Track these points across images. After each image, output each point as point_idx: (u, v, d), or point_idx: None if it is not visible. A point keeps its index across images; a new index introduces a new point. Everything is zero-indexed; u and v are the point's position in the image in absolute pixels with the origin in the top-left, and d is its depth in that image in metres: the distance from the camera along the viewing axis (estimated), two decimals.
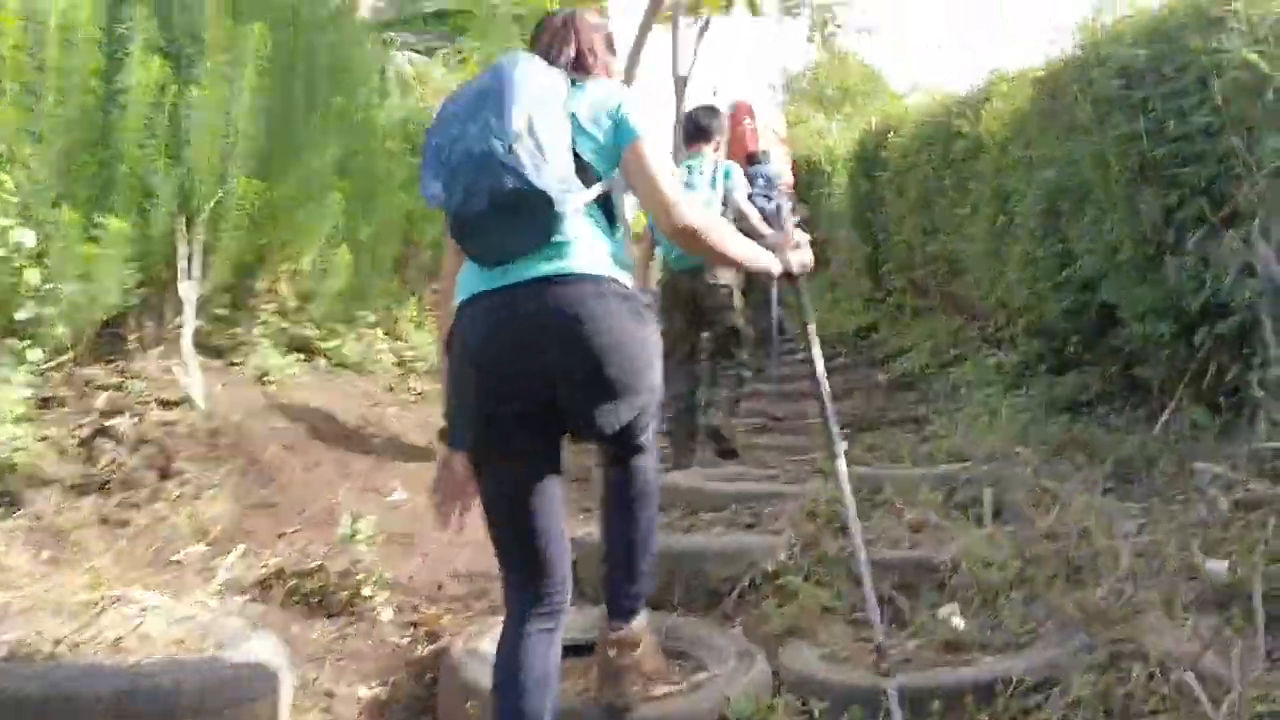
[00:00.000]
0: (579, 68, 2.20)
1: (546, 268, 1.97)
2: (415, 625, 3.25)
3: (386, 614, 3.25)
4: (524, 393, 1.99)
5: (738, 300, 5.03)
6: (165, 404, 4.27)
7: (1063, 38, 4.90)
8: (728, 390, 5.14)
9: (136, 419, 4.12)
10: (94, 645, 2.46)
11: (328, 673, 2.89)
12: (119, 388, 4.33)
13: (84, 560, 3.23)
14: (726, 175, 4.95)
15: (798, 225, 5.25)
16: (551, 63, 2.14)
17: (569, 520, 2.16)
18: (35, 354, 3.87)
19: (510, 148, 1.89)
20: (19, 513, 3.42)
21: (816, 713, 2.39)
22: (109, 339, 4.64)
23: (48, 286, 3.85)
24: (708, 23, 14.68)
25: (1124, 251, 4.03)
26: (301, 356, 5.34)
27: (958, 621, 2.72)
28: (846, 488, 2.39)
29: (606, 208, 2.12)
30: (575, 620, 2.28)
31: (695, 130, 5.04)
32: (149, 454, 3.98)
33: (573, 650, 2.41)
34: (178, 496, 3.76)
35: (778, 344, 7.07)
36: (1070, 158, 4.48)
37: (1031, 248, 5.00)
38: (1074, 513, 3.12)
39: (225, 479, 3.93)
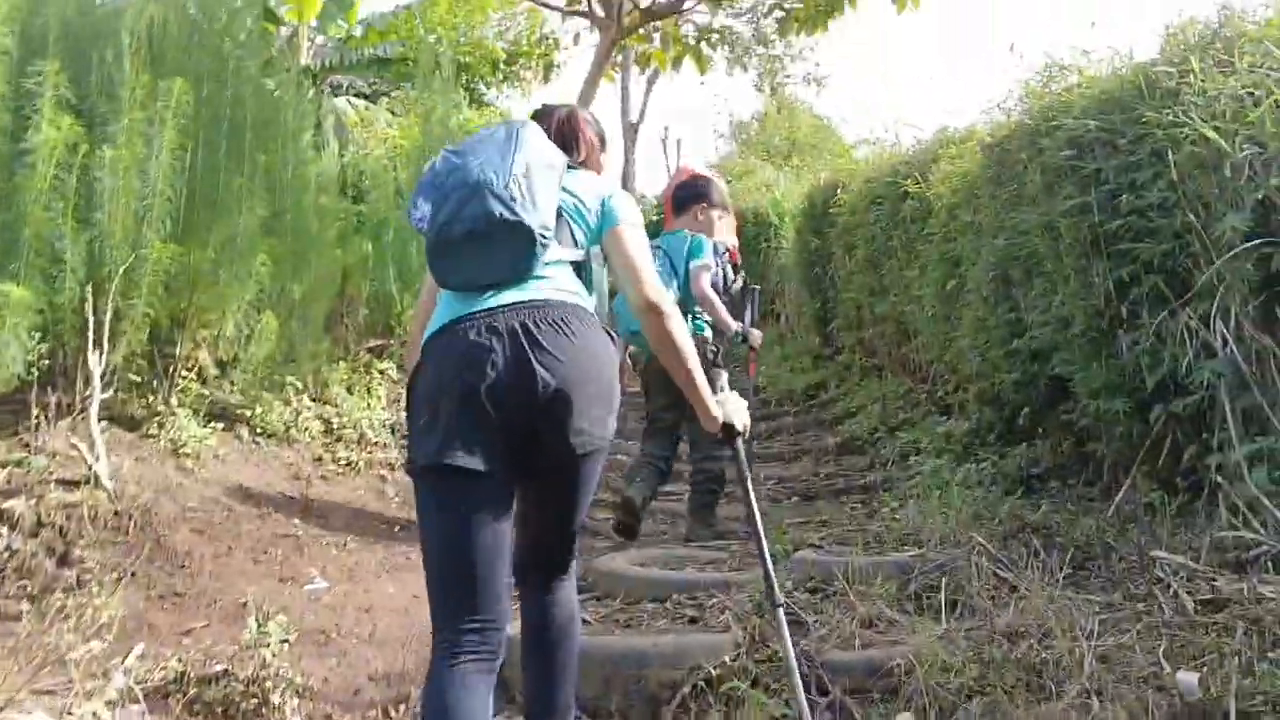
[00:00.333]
0: (577, 158, 2.37)
1: (521, 296, 2.05)
2: None
3: None
4: (499, 408, 1.97)
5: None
6: (68, 484, 4.02)
7: (1009, 101, 4.85)
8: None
9: (35, 500, 3.86)
10: None
11: None
12: (20, 463, 4.09)
13: None
14: (697, 250, 4.52)
15: (743, 292, 5.08)
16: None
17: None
18: None
19: (506, 183, 2.04)
20: None
21: None
22: (13, 409, 4.39)
23: None
24: (656, 73, 14.72)
25: (1076, 324, 3.93)
26: (222, 426, 5.06)
27: None
28: (787, 639, 2.39)
29: (583, 276, 2.23)
30: None
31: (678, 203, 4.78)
32: (47, 538, 3.76)
33: None
34: (75, 586, 3.47)
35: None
36: (1020, 227, 4.39)
37: (984, 314, 4.90)
38: (1034, 608, 2.96)
39: (129, 566, 3.68)
